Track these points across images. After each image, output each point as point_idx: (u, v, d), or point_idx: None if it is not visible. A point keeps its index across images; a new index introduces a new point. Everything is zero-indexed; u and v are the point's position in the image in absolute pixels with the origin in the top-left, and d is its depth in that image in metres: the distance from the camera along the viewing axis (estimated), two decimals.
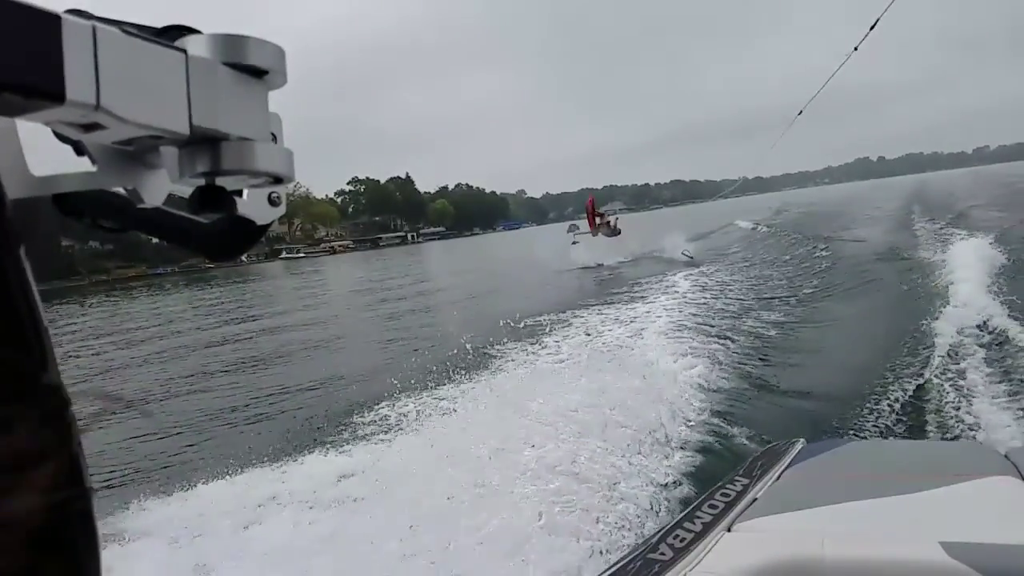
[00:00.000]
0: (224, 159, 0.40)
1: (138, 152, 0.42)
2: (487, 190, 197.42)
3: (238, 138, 0.40)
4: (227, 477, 5.59)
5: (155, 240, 0.51)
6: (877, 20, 4.73)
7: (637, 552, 1.68)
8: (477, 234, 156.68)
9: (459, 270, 39.18)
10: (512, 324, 10.43)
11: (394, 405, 7.16)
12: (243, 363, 13.98)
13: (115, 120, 0.35)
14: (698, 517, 1.79)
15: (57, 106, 0.33)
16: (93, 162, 0.42)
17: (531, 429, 5.22)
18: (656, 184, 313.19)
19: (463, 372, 7.87)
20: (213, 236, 0.48)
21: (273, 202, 0.47)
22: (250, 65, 0.40)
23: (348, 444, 6.28)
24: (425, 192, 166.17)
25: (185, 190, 0.42)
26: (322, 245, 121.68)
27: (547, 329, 10.86)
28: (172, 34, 0.40)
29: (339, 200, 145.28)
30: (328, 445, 6.34)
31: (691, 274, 17.27)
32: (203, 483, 5.51)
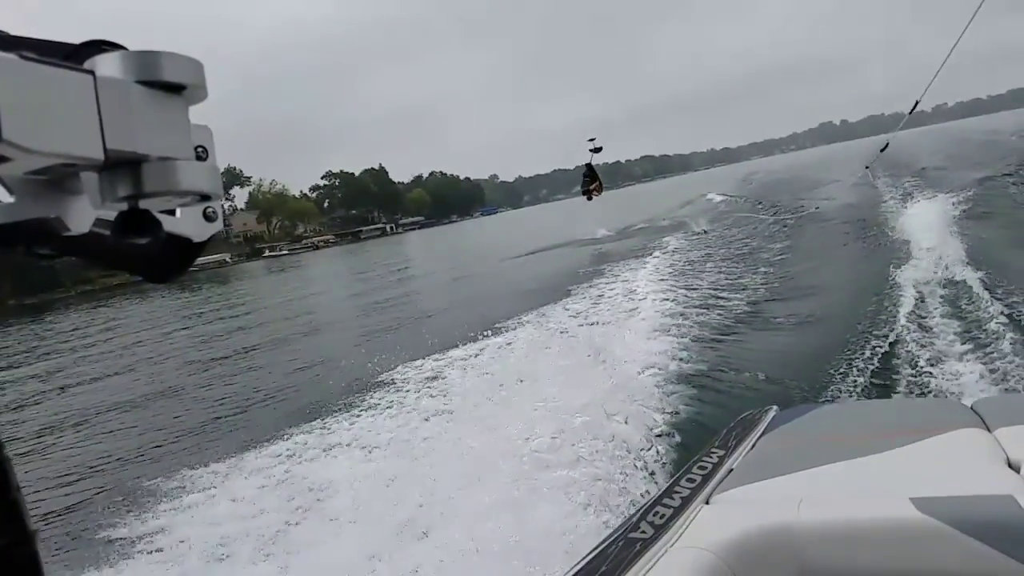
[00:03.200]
0: (145, 182, 0.38)
1: (56, 179, 0.40)
2: (461, 177, 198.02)
3: (159, 158, 0.39)
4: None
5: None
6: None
7: (618, 532, 1.70)
8: (455, 221, 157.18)
9: (457, 251, 40.68)
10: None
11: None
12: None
13: (20, 151, 0.33)
14: (676, 492, 1.82)
15: None
16: (10, 192, 0.41)
17: (514, 407, 5.52)
18: (627, 161, 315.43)
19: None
20: (150, 257, 0.45)
21: (209, 217, 0.46)
22: (166, 81, 0.39)
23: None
24: (399, 182, 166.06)
25: (113, 213, 0.40)
26: (304, 242, 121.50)
27: (535, 306, 11.44)
28: (90, 50, 0.39)
29: (314, 195, 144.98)
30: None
31: (664, 248, 17.77)
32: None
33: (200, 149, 0.42)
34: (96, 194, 0.39)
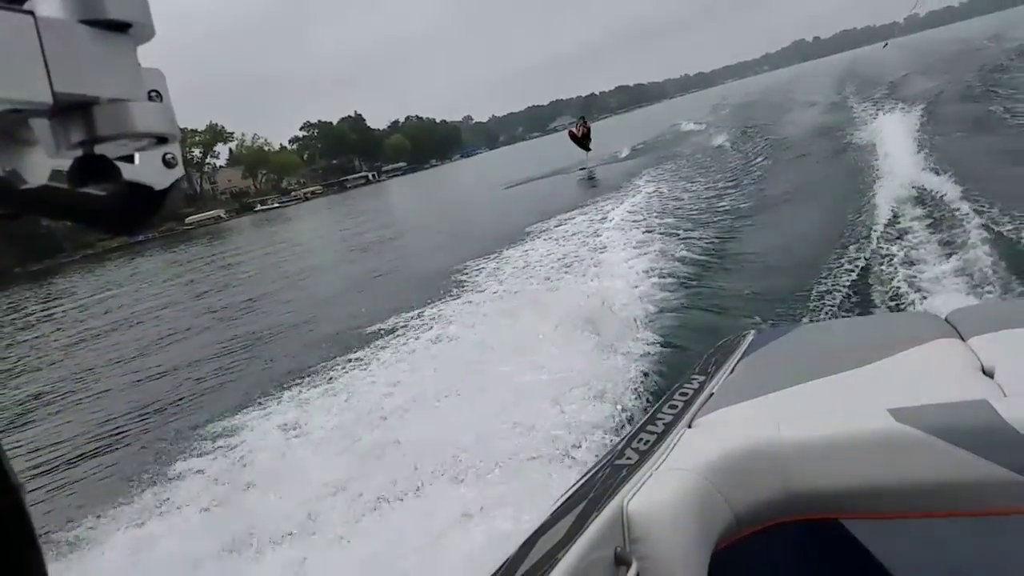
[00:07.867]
0: (98, 125, 0.37)
1: (5, 129, 0.39)
2: (436, 120, 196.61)
3: (110, 100, 0.37)
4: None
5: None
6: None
7: (604, 460, 1.71)
8: (436, 166, 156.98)
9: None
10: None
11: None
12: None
13: None
14: (659, 418, 1.84)
15: None
16: None
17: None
18: (601, 93, 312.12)
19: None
20: (112, 209, 0.44)
21: (168, 163, 0.43)
22: (111, 19, 0.37)
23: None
24: (376, 129, 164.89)
25: (68, 164, 0.39)
26: (292, 194, 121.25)
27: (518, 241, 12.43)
28: None
29: (294, 147, 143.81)
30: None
31: (642, 177, 18.34)
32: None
33: (153, 93, 0.41)
34: (50, 142, 0.38)
